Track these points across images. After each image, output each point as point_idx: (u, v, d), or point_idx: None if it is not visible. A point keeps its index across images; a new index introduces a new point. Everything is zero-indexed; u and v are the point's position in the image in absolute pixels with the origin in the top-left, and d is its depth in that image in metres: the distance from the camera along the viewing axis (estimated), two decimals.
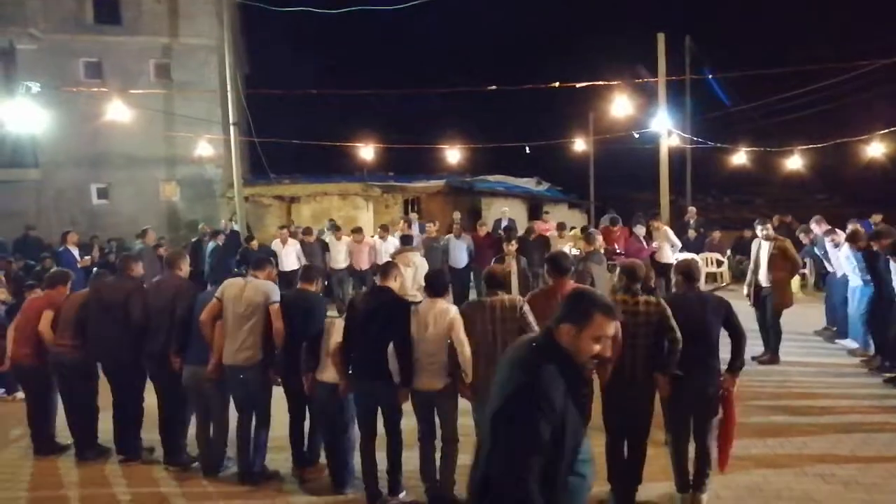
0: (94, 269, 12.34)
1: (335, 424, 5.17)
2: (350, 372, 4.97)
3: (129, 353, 5.73)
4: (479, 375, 4.67)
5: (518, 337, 4.55)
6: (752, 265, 8.83)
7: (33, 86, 13.79)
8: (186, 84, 19.06)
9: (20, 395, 6.93)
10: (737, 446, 5.53)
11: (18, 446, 6.43)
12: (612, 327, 2.55)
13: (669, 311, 4.60)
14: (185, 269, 5.96)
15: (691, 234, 15.21)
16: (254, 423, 5.36)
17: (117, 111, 13.82)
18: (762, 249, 8.65)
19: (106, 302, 5.85)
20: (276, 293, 5.38)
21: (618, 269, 5.10)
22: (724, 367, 4.80)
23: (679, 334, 4.54)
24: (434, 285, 5.01)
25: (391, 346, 4.82)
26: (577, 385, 2.50)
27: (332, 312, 5.45)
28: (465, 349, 4.66)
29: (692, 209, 17.07)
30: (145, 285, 6.08)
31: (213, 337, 5.29)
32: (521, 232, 12.84)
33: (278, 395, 5.49)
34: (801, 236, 11.15)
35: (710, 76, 20.32)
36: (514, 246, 8.96)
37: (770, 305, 8.53)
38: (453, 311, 4.82)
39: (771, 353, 8.58)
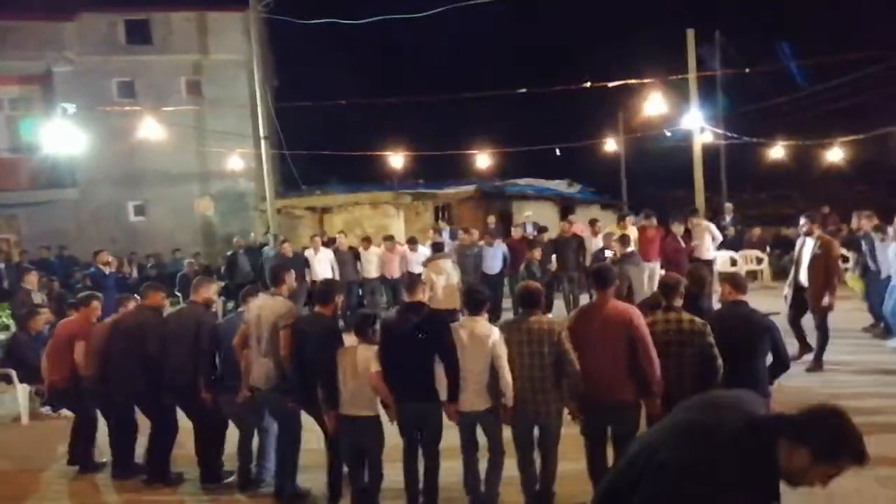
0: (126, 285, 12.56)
1: (362, 458, 4.89)
2: (393, 395, 4.79)
3: (145, 386, 5.67)
4: (515, 397, 4.58)
5: (555, 362, 4.51)
6: (794, 264, 8.43)
7: (69, 107, 14.13)
8: (217, 99, 19.35)
9: (66, 411, 7.04)
10: None
11: (61, 463, 6.48)
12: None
13: (713, 338, 4.43)
14: (206, 296, 5.85)
15: (730, 231, 14.84)
16: (281, 442, 5.29)
17: (150, 129, 14.10)
18: (805, 247, 8.21)
19: (127, 334, 5.81)
20: (287, 316, 5.17)
21: (657, 286, 4.95)
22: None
23: (720, 362, 4.37)
24: (472, 301, 4.88)
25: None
26: (766, 499, 2.14)
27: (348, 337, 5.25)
28: (507, 374, 4.54)
29: (729, 205, 16.72)
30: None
31: (242, 360, 5.29)
32: (553, 234, 12.72)
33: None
34: (854, 220, 10.67)
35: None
36: (538, 253, 8.87)
37: (813, 307, 8.00)
38: (496, 334, 4.65)
39: (814, 361, 7.95)
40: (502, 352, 4.58)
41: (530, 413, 4.62)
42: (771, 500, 2.19)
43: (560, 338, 4.55)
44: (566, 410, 4.71)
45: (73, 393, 6.24)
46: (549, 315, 5.03)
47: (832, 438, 2.09)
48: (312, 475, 5.44)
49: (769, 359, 4.74)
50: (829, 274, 7.83)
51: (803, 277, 8.14)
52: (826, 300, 7.81)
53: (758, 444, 2.09)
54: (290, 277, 5.65)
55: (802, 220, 8.36)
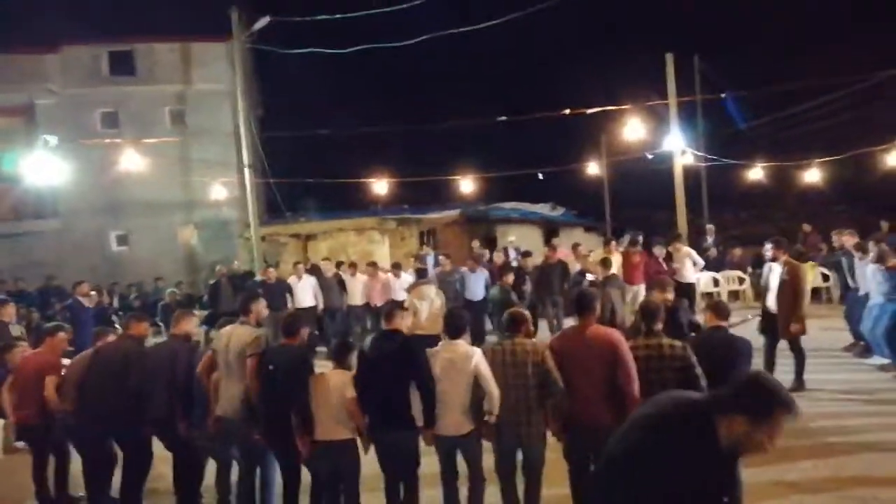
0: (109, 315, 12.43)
1: (338, 484, 4.85)
2: (368, 424, 4.78)
3: (126, 418, 5.55)
4: (498, 418, 4.57)
5: (538, 383, 4.52)
6: (763, 290, 8.23)
7: (51, 139, 14.11)
8: (201, 129, 19.39)
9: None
10: (770, 471, 5.35)
11: (34, 500, 6.27)
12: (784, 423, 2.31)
13: (695, 359, 4.47)
14: (187, 328, 5.80)
15: (712, 252, 14.96)
16: (257, 478, 5.17)
17: (133, 160, 14.10)
18: (773, 273, 7.99)
19: (107, 364, 5.70)
20: (254, 344, 5.10)
21: (637, 311, 5.00)
22: None
23: (704, 382, 4.38)
24: (452, 325, 4.88)
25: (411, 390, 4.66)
26: (717, 483, 2.27)
27: (324, 362, 5.21)
28: (493, 388, 4.52)
29: (710, 227, 16.86)
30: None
31: (208, 390, 5.24)
32: (538, 258, 12.76)
33: None
34: (834, 239, 10.71)
35: (724, 96, 20.13)
36: (510, 278, 8.95)
37: (782, 332, 7.83)
38: (476, 355, 4.65)
39: (795, 381, 7.74)
40: (485, 368, 4.57)
41: (513, 437, 4.60)
42: (721, 477, 2.32)
43: (544, 357, 4.57)
44: (549, 433, 4.71)
45: (42, 428, 6.01)
46: (534, 339, 5.03)
47: (762, 399, 2.26)
48: None
49: None
50: (796, 299, 7.67)
51: (771, 304, 7.94)
52: (793, 327, 7.65)
53: (696, 424, 2.24)
54: (259, 306, 5.56)
55: (768, 246, 8.15)
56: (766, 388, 2.35)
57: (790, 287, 7.70)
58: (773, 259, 8.01)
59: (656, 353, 4.52)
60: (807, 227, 16.56)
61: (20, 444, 7.71)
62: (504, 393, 4.56)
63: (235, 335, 5.22)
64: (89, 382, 5.72)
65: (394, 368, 4.69)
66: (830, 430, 6.57)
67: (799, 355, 7.88)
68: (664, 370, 4.47)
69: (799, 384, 7.82)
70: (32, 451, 6.25)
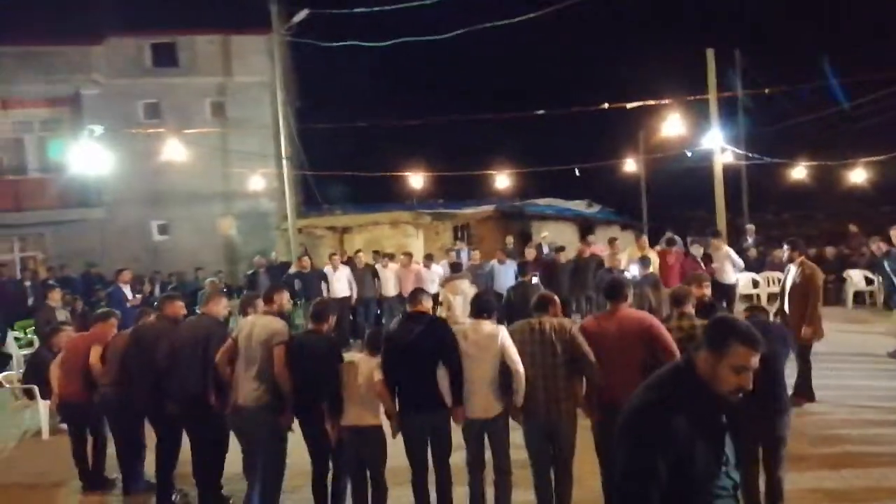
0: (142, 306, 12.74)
1: (364, 471, 4.91)
2: (398, 408, 4.81)
3: (155, 396, 5.65)
4: (528, 398, 4.55)
5: (568, 361, 4.52)
6: (780, 293, 7.89)
7: (97, 129, 14.43)
8: (241, 120, 19.66)
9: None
10: (809, 479, 5.27)
11: (77, 479, 6.49)
12: (754, 359, 2.43)
13: None
14: (217, 309, 5.82)
15: (752, 252, 14.62)
16: (266, 465, 5.12)
17: (174, 151, 14.34)
18: (789, 275, 7.68)
19: (143, 343, 5.84)
20: (281, 333, 5.13)
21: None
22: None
23: None
24: (478, 307, 4.88)
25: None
26: (710, 415, 2.42)
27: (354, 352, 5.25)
28: (520, 368, 4.51)
29: (751, 227, 16.51)
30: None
31: (230, 377, 5.21)
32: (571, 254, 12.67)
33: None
34: (874, 247, 10.44)
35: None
36: (529, 277, 8.88)
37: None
38: (502, 332, 4.66)
39: (796, 394, 7.00)
40: (511, 345, 4.57)
41: (543, 415, 4.56)
42: (717, 417, 2.46)
43: (573, 333, 4.56)
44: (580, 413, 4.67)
45: (84, 406, 6.25)
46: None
47: (718, 331, 2.47)
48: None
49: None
50: (809, 303, 7.28)
51: (787, 307, 7.60)
52: (804, 332, 7.22)
53: (682, 369, 2.50)
54: (283, 297, 5.55)
55: (785, 247, 7.89)
56: (725, 321, 2.54)
57: (801, 290, 7.38)
58: (790, 260, 7.75)
59: (687, 335, 4.48)
60: (853, 228, 16.13)
61: (64, 425, 8.00)
62: (532, 371, 4.54)
63: (259, 324, 5.21)
64: (127, 360, 5.91)
65: (422, 349, 4.69)
66: (873, 438, 6.41)
67: (804, 364, 7.39)
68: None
69: (803, 393, 7.30)
70: (72, 431, 6.45)
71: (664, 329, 4.47)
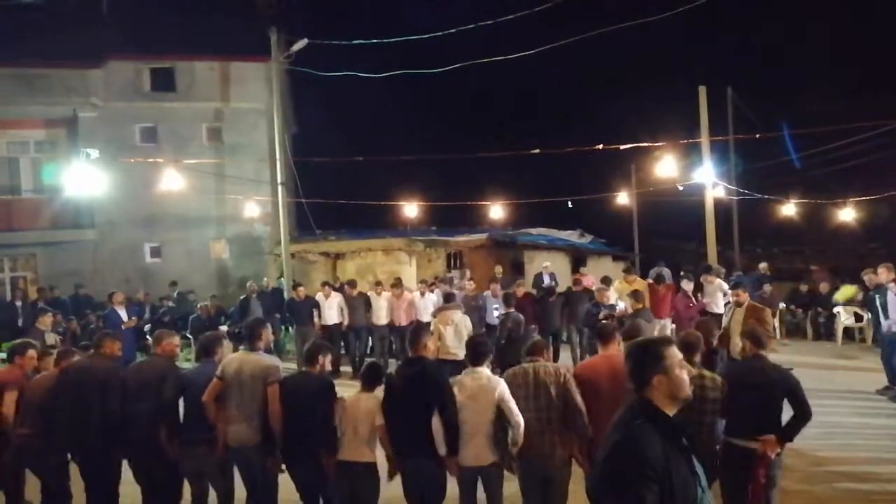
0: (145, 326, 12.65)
1: None
2: (394, 451, 4.81)
3: (102, 442, 5.29)
4: (523, 444, 4.57)
5: (561, 405, 4.55)
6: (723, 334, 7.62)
7: (92, 152, 14.48)
8: (237, 146, 19.75)
9: None
10: None
11: None
12: (677, 350, 2.71)
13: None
14: (168, 348, 5.62)
15: (766, 288, 14.16)
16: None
17: (171, 179, 14.51)
18: (735, 316, 7.73)
19: (77, 385, 5.41)
20: (274, 372, 5.07)
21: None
22: None
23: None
24: (474, 352, 4.87)
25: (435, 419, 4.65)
26: (676, 439, 2.51)
27: (349, 388, 5.25)
28: (520, 420, 4.51)
29: (764, 265, 16.23)
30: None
31: (217, 417, 5.07)
32: (562, 287, 12.72)
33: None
34: (866, 279, 10.49)
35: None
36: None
37: None
38: (501, 385, 4.62)
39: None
40: (510, 398, 4.56)
41: (537, 460, 4.57)
42: (677, 439, 2.54)
43: (566, 380, 4.59)
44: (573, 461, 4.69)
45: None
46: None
47: (644, 356, 2.65)
48: None
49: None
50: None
51: (734, 350, 7.26)
52: None
53: (636, 405, 2.60)
54: (267, 333, 5.48)
55: (732, 291, 7.91)
56: (640, 346, 2.73)
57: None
58: (738, 304, 7.83)
59: (697, 385, 4.52)
60: (814, 268, 16.19)
61: None
62: (526, 416, 4.55)
63: (249, 362, 5.12)
64: (55, 405, 5.45)
65: (416, 395, 4.67)
66: (864, 475, 6.44)
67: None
68: (704, 401, 4.48)
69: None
70: None
71: None
